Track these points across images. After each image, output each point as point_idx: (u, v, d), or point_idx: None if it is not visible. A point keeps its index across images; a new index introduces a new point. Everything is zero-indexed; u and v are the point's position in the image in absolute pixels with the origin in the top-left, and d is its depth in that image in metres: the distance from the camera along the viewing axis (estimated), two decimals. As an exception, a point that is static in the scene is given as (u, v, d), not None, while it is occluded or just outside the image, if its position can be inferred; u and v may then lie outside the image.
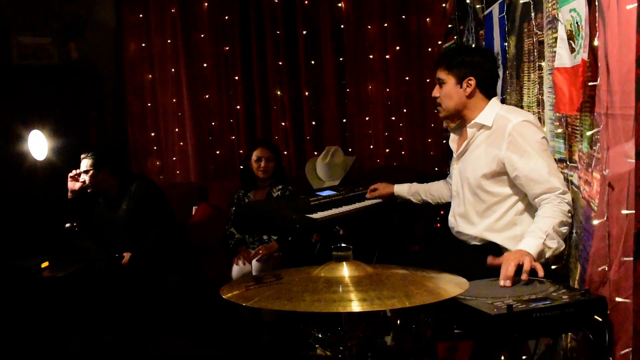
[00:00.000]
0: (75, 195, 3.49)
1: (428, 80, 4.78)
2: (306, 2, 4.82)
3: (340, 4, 4.84)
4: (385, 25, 4.83)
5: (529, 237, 2.06)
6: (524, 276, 1.92)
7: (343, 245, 1.67)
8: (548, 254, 2.05)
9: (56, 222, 3.50)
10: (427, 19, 4.82)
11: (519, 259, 1.95)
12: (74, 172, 3.49)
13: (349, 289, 1.54)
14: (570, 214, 2.12)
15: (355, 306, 1.45)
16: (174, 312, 3.56)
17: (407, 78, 4.87)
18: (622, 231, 1.71)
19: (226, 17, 4.85)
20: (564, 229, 2.10)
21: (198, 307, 3.69)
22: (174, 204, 3.93)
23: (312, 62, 4.87)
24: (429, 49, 4.81)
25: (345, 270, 1.63)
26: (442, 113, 2.47)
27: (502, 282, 1.92)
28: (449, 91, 2.39)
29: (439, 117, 2.74)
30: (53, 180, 3.68)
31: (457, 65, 2.37)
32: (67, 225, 3.43)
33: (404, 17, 4.82)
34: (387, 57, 4.87)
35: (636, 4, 1.51)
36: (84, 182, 3.46)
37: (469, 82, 2.36)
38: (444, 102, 2.42)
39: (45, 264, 3.27)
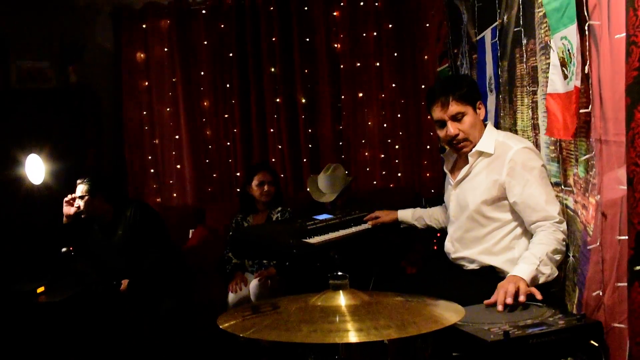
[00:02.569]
0: (70, 220, 3.48)
1: (424, 103, 4.79)
2: (307, 39, 4.83)
3: (336, 45, 4.87)
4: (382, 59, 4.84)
5: (522, 262, 2.08)
6: (521, 298, 1.92)
7: (339, 273, 1.68)
8: (541, 280, 2.06)
9: (53, 247, 3.49)
10: (424, 53, 4.82)
11: (514, 285, 1.96)
12: (69, 196, 3.48)
13: (345, 318, 1.54)
14: (564, 242, 2.14)
15: (352, 336, 1.45)
16: (169, 335, 3.54)
17: (402, 101, 4.89)
18: (615, 257, 1.73)
19: (230, 55, 4.85)
20: (558, 257, 2.12)
21: (194, 331, 3.66)
22: (171, 226, 3.92)
23: (308, 85, 4.89)
24: (424, 69, 4.84)
25: (341, 299, 1.64)
26: (470, 146, 2.35)
27: (500, 307, 1.93)
28: (472, 121, 2.33)
29: (441, 145, 2.68)
30: (50, 204, 3.67)
31: (467, 94, 2.33)
32: (64, 249, 3.42)
33: (396, 54, 4.82)
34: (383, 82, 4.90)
35: (624, 34, 1.54)
36: (78, 207, 3.46)
37: (479, 105, 2.38)
38: (472, 134, 2.33)
39: (41, 289, 3.25)
